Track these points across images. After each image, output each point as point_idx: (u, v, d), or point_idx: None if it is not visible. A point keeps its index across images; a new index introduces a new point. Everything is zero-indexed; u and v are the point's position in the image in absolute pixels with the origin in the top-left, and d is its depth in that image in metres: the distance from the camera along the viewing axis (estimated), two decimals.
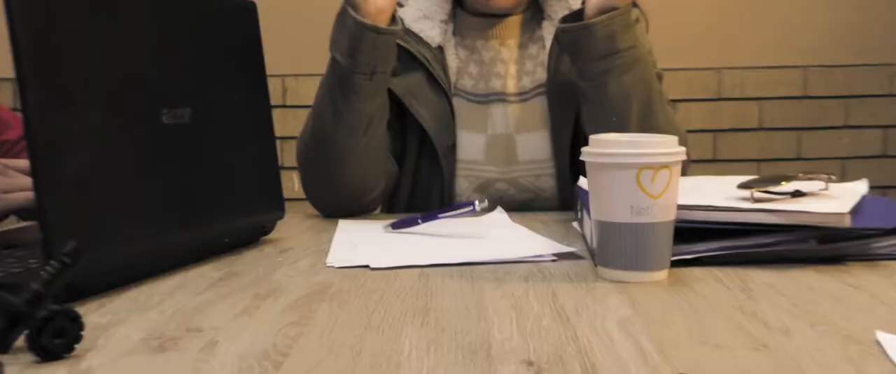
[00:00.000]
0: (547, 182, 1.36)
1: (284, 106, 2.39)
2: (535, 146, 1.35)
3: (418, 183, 1.38)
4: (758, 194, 0.91)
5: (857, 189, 1.02)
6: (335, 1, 1.21)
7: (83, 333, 0.61)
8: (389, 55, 1.21)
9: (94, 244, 0.67)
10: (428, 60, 1.34)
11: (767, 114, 2.64)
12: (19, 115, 1.35)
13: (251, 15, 1.06)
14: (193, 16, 0.96)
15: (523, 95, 1.37)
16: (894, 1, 2.61)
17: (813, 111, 2.64)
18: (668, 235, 0.82)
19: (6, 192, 0.96)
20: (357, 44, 1.16)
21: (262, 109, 1.06)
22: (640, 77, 1.23)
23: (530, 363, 0.57)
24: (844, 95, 2.62)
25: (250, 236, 1.05)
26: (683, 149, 0.82)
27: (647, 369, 0.55)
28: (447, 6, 1.38)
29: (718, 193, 0.95)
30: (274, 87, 2.36)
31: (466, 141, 1.36)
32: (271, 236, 1.09)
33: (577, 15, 1.24)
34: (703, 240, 0.89)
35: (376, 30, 1.16)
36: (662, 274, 0.82)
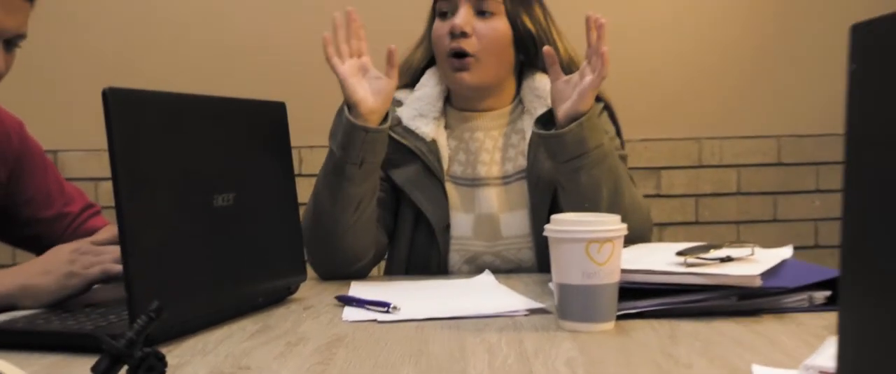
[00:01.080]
0: (527, 255, 1.57)
1: (300, 175, 2.63)
2: (516, 224, 1.57)
3: (414, 253, 1.59)
4: (690, 260, 1.13)
5: (781, 254, 1.24)
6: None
7: (166, 369, 0.83)
8: (378, 148, 1.42)
9: (165, 303, 0.89)
10: (423, 153, 1.56)
11: (745, 180, 2.87)
12: (79, 187, 1.59)
13: (281, 112, 1.29)
14: (237, 117, 1.20)
15: (506, 179, 1.59)
16: None
17: (787, 177, 2.86)
18: (613, 294, 1.04)
19: (89, 266, 1.18)
20: (350, 140, 1.39)
21: (289, 189, 1.29)
22: (607, 169, 1.43)
23: None
24: (815, 162, 2.85)
25: (279, 295, 1.27)
26: (624, 226, 1.05)
27: None
28: (439, 104, 1.60)
29: (660, 259, 1.17)
30: (307, 158, 2.62)
31: (458, 220, 1.57)
32: (296, 295, 1.31)
33: (550, 113, 1.46)
34: (646, 297, 1.11)
35: (366, 129, 1.38)
36: (610, 325, 1.04)
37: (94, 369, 0.81)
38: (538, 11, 1.56)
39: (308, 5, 2.67)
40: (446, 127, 1.62)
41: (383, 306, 1.15)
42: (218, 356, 0.93)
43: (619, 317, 1.07)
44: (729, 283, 1.08)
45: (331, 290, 1.34)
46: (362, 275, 1.51)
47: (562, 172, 1.43)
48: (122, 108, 0.95)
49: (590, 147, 1.39)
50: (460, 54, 1.51)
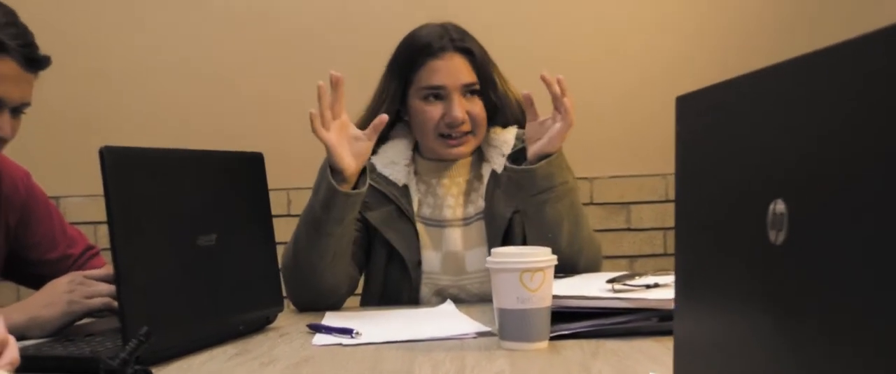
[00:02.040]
0: (488, 287, 1.72)
1: (288, 215, 2.79)
2: (478, 259, 1.72)
3: (388, 287, 1.74)
4: (617, 287, 1.28)
5: None
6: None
7: None
8: (356, 206, 1.57)
9: (154, 330, 1.04)
10: (396, 197, 1.72)
11: None
12: (80, 230, 1.74)
13: (259, 161, 1.45)
14: (219, 167, 1.36)
15: (468, 220, 1.75)
16: None
17: None
18: (546, 316, 1.20)
19: (89, 298, 1.34)
20: (332, 202, 1.53)
21: (266, 229, 1.45)
22: (569, 204, 1.59)
23: None
24: None
25: (258, 323, 1.42)
26: (554, 257, 1.20)
27: None
28: (409, 153, 1.76)
29: (593, 286, 1.32)
30: (280, 198, 2.77)
31: (427, 257, 1.73)
32: (274, 324, 1.46)
33: (520, 152, 1.63)
34: (579, 320, 1.26)
35: (347, 194, 1.53)
36: (543, 344, 1.19)
37: None
38: (496, 76, 1.73)
39: (298, 63, 2.84)
40: (415, 173, 1.78)
41: (347, 332, 1.30)
42: (200, 372, 1.08)
43: (553, 338, 1.22)
44: (649, 306, 1.23)
45: (305, 319, 1.49)
46: (337, 307, 1.66)
47: (530, 204, 1.59)
48: (116, 163, 1.11)
49: (556, 183, 1.56)
50: (458, 135, 1.69)
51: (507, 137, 1.74)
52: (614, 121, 2.92)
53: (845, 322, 0.47)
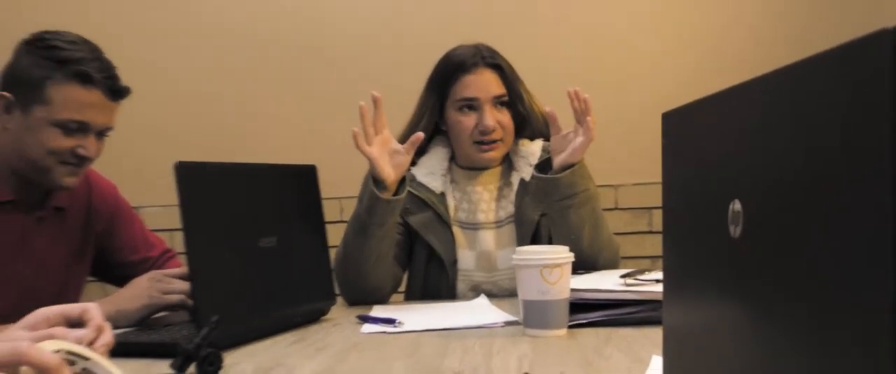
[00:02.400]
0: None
1: (341, 221, 2.87)
2: (508, 258, 1.76)
3: (428, 283, 1.81)
4: (629, 281, 1.34)
5: None
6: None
7: (223, 365, 1.06)
8: (396, 211, 1.64)
9: (224, 319, 1.12)
10: (434, 203, 1.79)
11: None
12: (159, 236, 1.84)
13: (312, 173, 1.53)
14: (277, 178, 1.44)
15: (499, 223, 1.81)
16: None
17: None
18: (564, 307, 1.25)
19: (166, 293, 1.43)
20: (373, 208, 1.60)
21: (319, 232, 1.52)
22: (590, 209, 1.66)
23: (456, 373, 1.00)
24: None
25: (314, 315, 1.49)
26: (571, 255, 1.26)
27: (511, 371, 0.98)
28: (446, 163, 1.83)
29: (609, 281, 1.38)
30: (334, 206, 2.85)
31: (463, 256, 1.79)
32: (328, 316, 1.53)
33: (546, 162, 1.69)
34: (595, 310, 1.31)
35: (387, 201, 1.60)
36: (562, 331, 1.25)
37: (172, 365, 1.04)
38: (523, 91, 1.79)
39: (347, 86, 2.92)
40: (451, 182, 1.84)
41: (391, 322, 1.37)
42: (263, 358, 1.16)
43: (571, 326, 1.28)
44: (656, 298, 1.28)
45: (355, 312, 1.56)
46: (383, 302, 1.73)
47: (555, 209, 1.65)
48: (188, 176, 1.19)
49: (578, 190, 1.62)
50: (490, 141, 1.75)
51: (534, 149, 1.80)
52: (636, 133, 2.95)
53: (789, 301, 0.52)
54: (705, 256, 0.67)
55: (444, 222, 1.79)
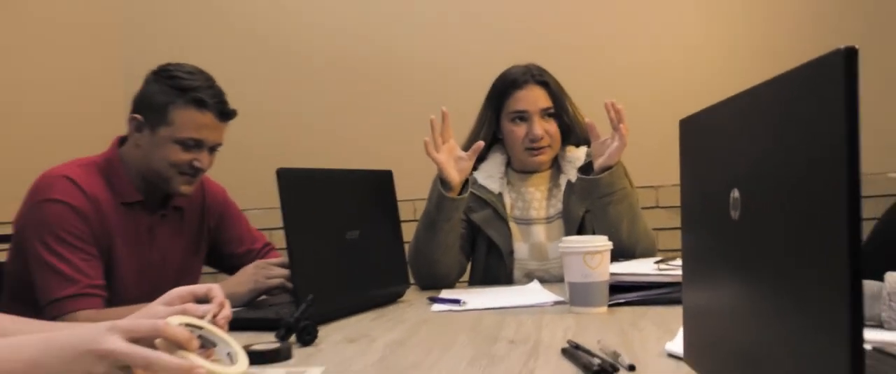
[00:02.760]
0: None
1: (414, 220, 2.95)
2: (557, 249, 1.82)
3: (488, 271, 1.88)
4: (661, 266, 1.38)
5: None
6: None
7: (318, 335, 1.15)
8: (460, 208, 1.72)
9: (317, 298, 1.21)
10: (493, 202, 1.86)
11: None
12: (262, 232, 1.94)
13: (389, 177, 1.62)
14: (359, 181, 1.53)
15: (549, 219, 1.87)
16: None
17: None
18: (605, 288, 1.31)
19: (269, 278, 1.54)
20: (442, 206, 1.69)
21: (395, 226, 1.61)
22: (627, 205, 1.71)
23: (513, 342, 1.06)
24: None
25: (392, 297, 1.58)
26: (610, 243, 1.31)
27: (561, 342, 1.04)
28: (502, 168, 1.90)
29: (644, 267, 1.42)
30: (407, 207, 2.94)
31: (518, 247, 1.86)
32: (403, 298, 1.61)
33: (589, 165, 1.75)
34: (631, 291, 1.36)
35: (453, 200, 1.69)
36: (603, 309, 1.30)
37: (277, 335, 1.13)
38: (568, 104, 1.85)
39: (419, 101, 3.01)
40: (508, 184, 1.91)
41: (457, 301, 1.44)
42: (349, 330, 1.25)
43: (611, 305, 1.33)
44: None
45: (426, 294, 1.64)
46: (450, 286, 1.80)
47: (596, 205, 1.71)
48: (289, 181, 1.29)
49: (616, 189, 1.68)
50: (539, 147, 1.82)
51: (578, 155, 1.86)
52: (675, 138, 2.96)
53: (771, 268, 0.58)
54: (713, 237, 0.73)
55: (501, 218, 1.86)
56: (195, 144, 1.63)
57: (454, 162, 1.70)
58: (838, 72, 0.45)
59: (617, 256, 1.42)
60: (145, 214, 1.72)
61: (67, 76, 2.71)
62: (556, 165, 1.90)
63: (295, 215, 1.30)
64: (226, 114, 1.65)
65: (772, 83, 0.56)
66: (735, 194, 0.65)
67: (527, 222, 1.87)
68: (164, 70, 1.64)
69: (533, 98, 1.81)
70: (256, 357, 1.01)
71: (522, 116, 1.82)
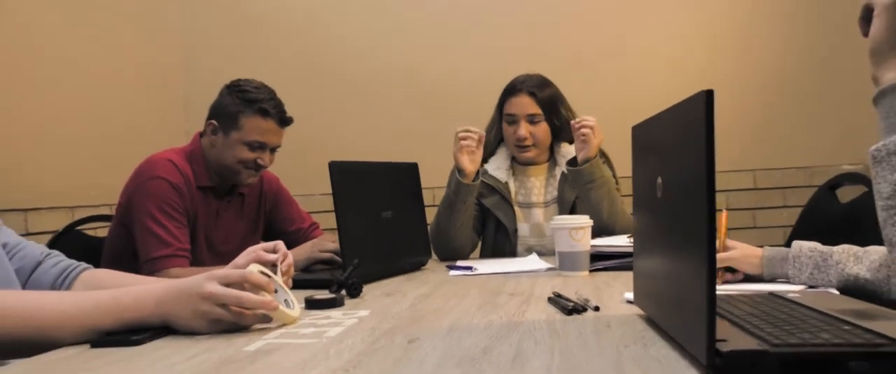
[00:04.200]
0: None
1: (433, 205, 3.18)
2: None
3: (496, 246, 2.12)
4: (633, 239, 1.61)
5: None
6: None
7: (362, 290, 1.39)
8: (473, 193, 1.97)
9: (360, 263, 1.45)
10: (501, 189, 2.10)
11: (732, 200, 3.23)
12: (306, 211, 2.20)
13: (415, 168, 1.86)
14: (393, 171, 1.78)
15: (547, 203, 2.11)
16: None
17: (760, 198, 3.21)
18: (586, 257, 1.54)
19: (322, 251, 1.79)
20: (458, 189, 1.95)
21: (421, 208, 1.85)
22: (606, 191, 1.95)
23: (512, 294, 1.31)
24: (782, 186, 3.19)
25: (415, 266, 1.82)
26: (591, 221, 1.55)
27: (549, 294, 1.28)
28: (508, 161, 2.15)
29: (620, 241, 1.66)
30: (429, 194, 3.16)
31: (521, 227, 2.10)
32: (426, 266, 1.86)
33: (574, 159, 1.99)
34: (607, 259, 1.60)
35: (468, 185, 1.94)
36: (585, 273, 1.54)
37: (331, 290, 1.37)
38: (561, 109, 2.08)
39: (443, 112, 3.23)
40: (513, 174, 2.15)
41: (469, 268, 1.69)
42: (385, 287, 1.49)
43: (593, 270, 1.57)
44: None
45: (445, 264, 1.88)
46: (465, 258, 2.05)
47: (582, 191, 1.95)
48: (339, 171, 1.54)
49: (596, 177, 1.92)
50: (523, 146, 2.06)
51: (570, 150, 2.09)
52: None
53: (673, 231, 0.82)
54: (650, 213, 0.97)
55: (507, 202, 2.10)
56: (260, 146, 1.89)
57: (469, 156, 1.95)
58: (701, 106, 0.69)
59: (599, 233, 1.65)
60: (215, 198, 1.98)
61: (134, 81, 2.96)
62: (552, 159, 2.14)
63: (343, 198, 1.54)
64: (285, 121, 1.91)
65: (676, 107, 0.80)
66: (659, 180, 0.89)
67: (528, 205, 2.12)
68: (236, 85, 1.90)
69: (522, 105, 2.05)
70: (318, 304, 1.25)
71: (513, 120, 2.06)
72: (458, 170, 1.95)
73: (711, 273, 0.68)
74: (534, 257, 1.92)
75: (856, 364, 0.67)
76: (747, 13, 3.20)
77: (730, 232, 3.23)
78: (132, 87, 2.90)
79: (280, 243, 1.25)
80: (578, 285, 1.40)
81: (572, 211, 2.03)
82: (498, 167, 2.14)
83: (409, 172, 1.84)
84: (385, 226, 1.67)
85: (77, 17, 2.62)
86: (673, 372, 0.72)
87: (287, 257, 1.24)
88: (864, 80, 1.02)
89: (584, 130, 1.91)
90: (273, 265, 1.20)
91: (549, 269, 1.65)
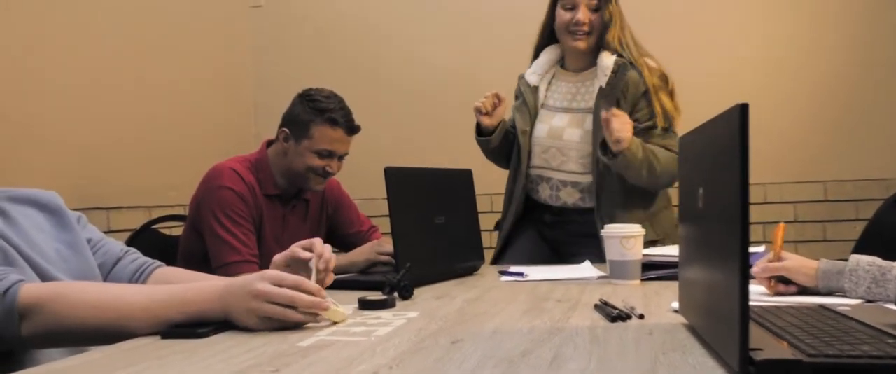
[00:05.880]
0: (580, 159, 2.08)
1: (491, 211, 3.20)
2: (575, 135, 2.08)
3: (513, 151, 2.19)
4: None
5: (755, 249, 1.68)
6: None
7: (414, 292, 1.43)
8: (495, 140, 2.13)
9: (413, 266, 1.49)
10: (526, 93, 2.18)
11: (800, 212, 3.14)
12: (365, 215, 2.26)
13: (469, 174, 1.89)
14: (447, 177, 1.81)
15: (576, 111, 2.11)
16: None
17: (832, 210, 3.10)
18: (638, 265, 1.54)
19: (380, 254, 1.84)
20: (481, 143, 2.12)
21: (473, 213, 1.88)
22: (641, 160, 1.93)
23: (560, 301, 1.32)
24: (855, 199, 3.08)
25: (467, 271, 1.85)
26: (643, 231, 1.55)
27: (594, 301, 1.28)
28: (548, 67, 2.18)
29: (672, 251, 1.65)
30: (486, 201, 3.19)
31: (538, 128, 2.14)
32: (478, 271, 1.88)
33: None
34: (658, 269, 1.59)
35: (487, 140, 2.10)
36: (636, 282, 1.54)
37: (383, 292, 1.41)
38: (613, 7, 2.07)
39: None
40: (553, 77, 2.19)
41: (521, 274, 1.71)
42: (436, 291, 1.52)
43: (644, 279, 1.56)
44: None
45: (497, 269, 1.91)
46: (497, 163, 2.25)
47: (618, 167, 1.96)
48: (394, 176, 1.58)
49: (630, 162, 1.92)
50: (580, 33, 2.06)
51: (608, 63, 2.05)
52: (779, 137, 3.06)
53: (716, 236, 0.82)
54: (693, 223, 0.97)
55: (527, 105, 2.17)
56: (329, 154, 1.96)
57: (486, 118, 2.09)
58: (736, 120, 0.70)
59: (643, 191, 1.87)
60: (281, 204, 2.05)
61: (208, 89, 3.10)
62: (592, 69, 2.12)
63: (397, 203, 1.59)
64: (353, 129, 1.98)
65: (714, 120, 0.81)
66: (700, 190, 0.90)
67: (554, 109, 2.15)
68: (307, 94, 1.98)
69: None
70: (371, 305, 1.30)
71: (572, 6, 2.06)
72: (478, 128, 2.13)
73: (744, 282, 0.69)
74: (586, 264, 1.92)
75: None
76: (813, 19, 3.11)
77: (798, 245, 3.17)
78: (206, 95, 3.04)
79: (316, 242, 1.25)
80: (628, 293, 1.41)
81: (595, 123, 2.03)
82: (534, 72, 2.19)
83: (463, 179, 1.88)
84: (438, 231, 1.71)
85: (158, 30, 2.78)
86: None
87: (325, 252, 1.24)
88: None
89: (610, 125, 1.88)
90: (306, 264, 1.22)
91: (601, 277, 1.66)
